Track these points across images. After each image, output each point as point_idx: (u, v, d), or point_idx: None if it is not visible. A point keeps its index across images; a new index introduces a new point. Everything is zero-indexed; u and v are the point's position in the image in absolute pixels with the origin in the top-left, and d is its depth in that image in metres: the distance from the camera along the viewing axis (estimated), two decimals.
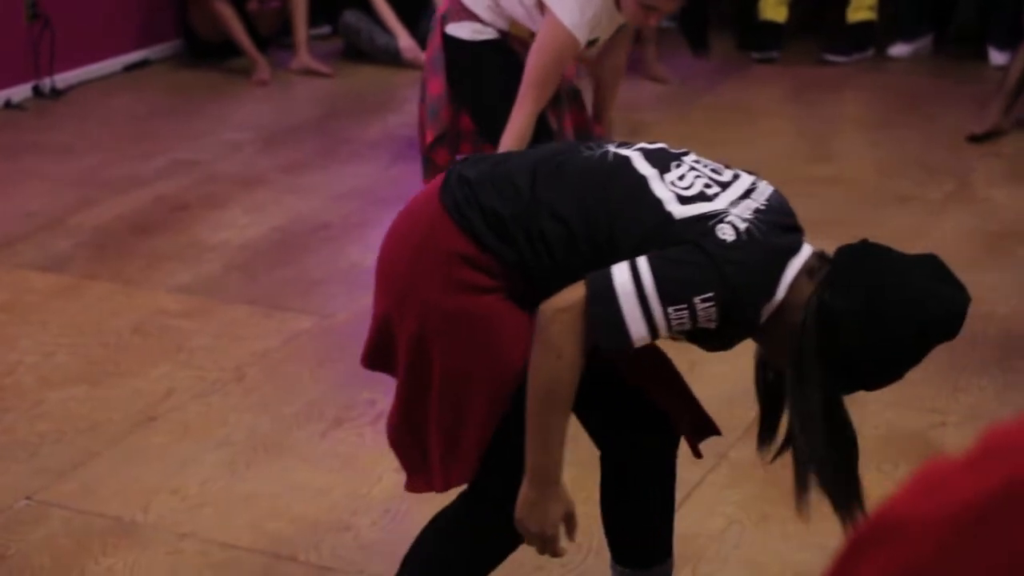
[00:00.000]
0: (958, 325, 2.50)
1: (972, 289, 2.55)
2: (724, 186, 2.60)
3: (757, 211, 2.55)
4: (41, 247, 5.46)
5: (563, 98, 4.38)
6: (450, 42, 4.28)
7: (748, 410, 4.05)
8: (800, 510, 2.63)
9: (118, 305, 4.95)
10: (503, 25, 4.21)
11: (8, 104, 7.26)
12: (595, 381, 2.83)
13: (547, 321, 2.49)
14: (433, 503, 2.86)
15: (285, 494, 3.75)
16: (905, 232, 5.44)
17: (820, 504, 3.65)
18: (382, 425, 3.01)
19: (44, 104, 7.38)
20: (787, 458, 2.71)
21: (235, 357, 4.51)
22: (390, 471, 3.67)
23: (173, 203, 5.94)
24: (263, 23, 8.07)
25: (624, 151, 2.66)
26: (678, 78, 7.63)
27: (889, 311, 2.46)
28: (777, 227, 2.56)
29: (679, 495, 3.62)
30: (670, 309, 2.47)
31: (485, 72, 4.27)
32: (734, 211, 2.54)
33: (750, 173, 2.67)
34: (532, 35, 4.17)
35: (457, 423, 2.63)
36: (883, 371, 2.55)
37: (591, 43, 4.17)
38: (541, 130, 4.17)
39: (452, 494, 2.76)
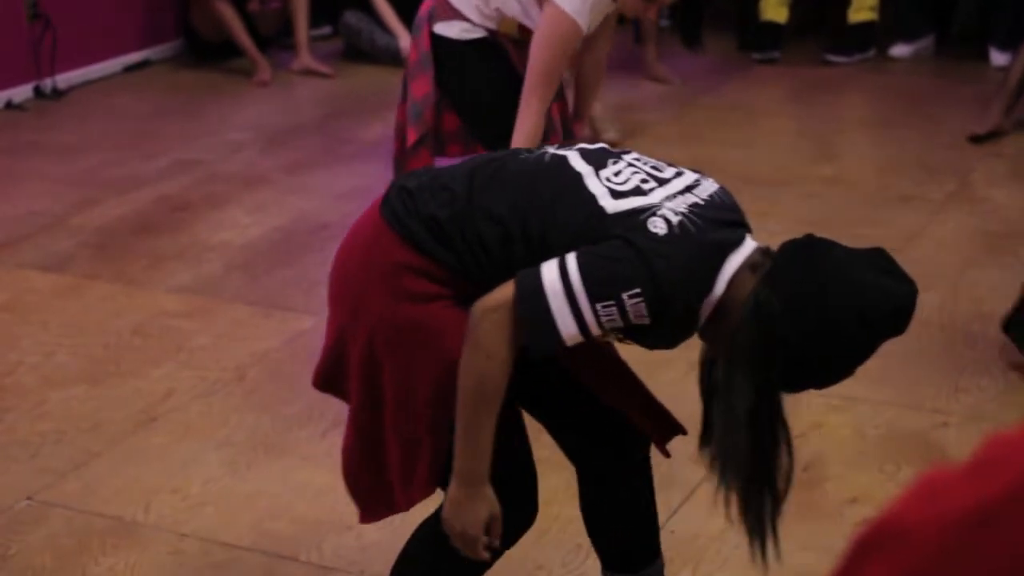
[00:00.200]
0: (904, 318, 2.46)
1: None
2: (662, 182, 2.56)
3: (694, 205, 2.52)
4: (42, 247, 5.47)
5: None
6: (438, 41, 4.21)
7: None
8: (727, 516, 2.55)
9: (119, 305, 4.95)
10: (491, 24, 4.16)
11: (9, 104, 7.27)
12: (559, 394, 2.83)
13: (477, 321, 2.48)
14: (433, 503, 2.86)
15: (286, 494, 3.75)
16: (906, 232, 5.44)
17: (818, 506, 3.67)
18: None
19: (45, 104, 7.38)
20: None
21: (236, 357, 4.51)
22: None
23: (174, 203, 5.95)
24: (264, 24, 8.07)
25: (562, 151, 2.65)
26: (679, 78, 7.63)
27: (829, 305, 2.40)
28: (717, 222, 2.52)
29: (680, 496, 3.63)
30: (598, 306, 2.44)
31: (475, 71, 4.21)
32: (668, 205, 2.50)
33: (695, 171, 2.64)
34: (521, 31, 4.12)
35: (414, 434, 2.62)
36: (828, 367, 2.49)
37: None
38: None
39: None
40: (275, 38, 8.23)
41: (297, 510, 3.69)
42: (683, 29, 4.83)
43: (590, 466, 2.91)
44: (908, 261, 4.62)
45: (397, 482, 2.68)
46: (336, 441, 3.99)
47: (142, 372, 4.44)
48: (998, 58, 7.79)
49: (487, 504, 2.59)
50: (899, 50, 8.11)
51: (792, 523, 3.57)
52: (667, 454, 2.92)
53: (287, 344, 4.60)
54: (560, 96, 4.41)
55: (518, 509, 2.72)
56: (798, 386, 2.54)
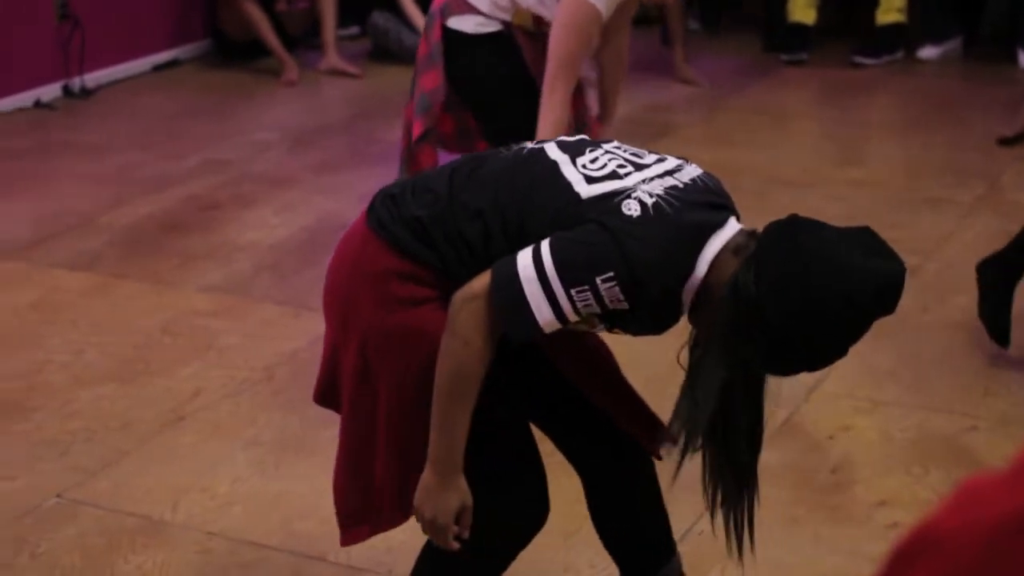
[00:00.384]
0: (892, 297, 2.41)
1: None
2: (640, 167, 2.56)
3: (673, 188, 2.50)
4: (72, 246, 5.48)
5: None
6: (452, 36, 4.17)
7: (776, 414, 4.06)
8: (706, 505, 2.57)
9: (148, 304, 4.97)
10: (506, 15, 4.13)
11: (38, 103, 7.29)
12: (555, 400, 2.82)
13: (455, 310, 2.48)
14: None
15: (314, 494, 3.75)
16: (935, 235, 5.43)
17: (847, 509, 3.67)
18: None
19: (74, 103, 7.41)
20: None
21: (264, 357, 4.52)
22: None
23: (203, 203, 5.96)
24: (292, 24, 8.09)
25: (540, 144, 2.66)
26: (707, 80, 7.62)
27: (813, 286, 2.37)
28: (696, 204, 2.50)
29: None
30: (573, 291, 2.43)
31: (486, 66, 4.17)
32: (644, 187, 2.49)
33: (679, 159, 2.63)
34: (536, 23, 4.09)
35: (410, 441, 2.63)
36: (814, 349, 2.45)
37: None
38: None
39: None
40: (303, 38, 8.24)
41: (325, 510, 3.68)
42: (702, 8, 4.75)
43: (593, 470, 2.90)
44: (936, 264, 4.65)
45: (388, 496, 2.69)
46: None
47: (171, 371, 4.46)
48: None
49: (459, 494, 2.59)
50: (927, 52, 8.10)
51: (820, 526, 3.58)
52: (659, 456, 2.89)
53: (315, 344, 4.59)
54: (579, 91, 4.37)
55: (525, 509, 2.72)
56: (786, 368, 2.51)
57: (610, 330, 2.61)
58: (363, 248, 2.65)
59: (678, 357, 2.56)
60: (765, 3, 8.45)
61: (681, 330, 2.61)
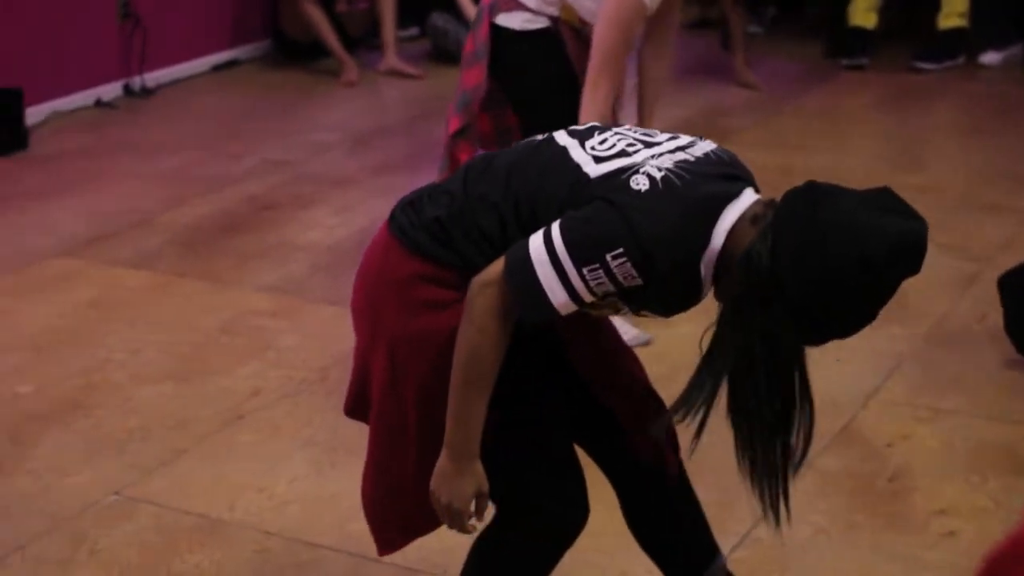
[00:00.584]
0: (913, 256, 2.36)
1: None
2: (650, 145, 2.54)
3: (683, 162, 2.48)
4: (132, 244, 5.51)
5: None
6: (499, 33, 4.19)
7: (834, 420, 4.05)
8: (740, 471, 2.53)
9: (207, 303, 4.99)
10: (553, 10, 4.15)
11: (99, 102, 7.33)
12: (580, 407, 2.80)
13: (472, 297, 2.49)
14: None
15: None
16: (994, 242, 5.39)
17: (905, 517, 3.64)
18: None
19: (134, 103, 7.45)
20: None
21: (321, 357, 4.53)
22: None
23: (262, 203, 5.98)
24: (352, 24, 8.11)
25: (551, 133, 2.65)
26: (766, 84, 7.60)
27: (829, 253, 2.33)
28: (709, 177, 2.47)
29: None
30: (584, 270, 2.42)
31: (532, 63, 4.18)
32: (652, 162, 2.47)
33: (694, 136, 2.60)
34: (582, 20, 4.12)
35: (439, 446, 2.61)
36: (837, 316, 2.41)
37: None
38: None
39: None
40: (363, 39, 8.26)
41: None
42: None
43: (620, 475, 2.88)
44: (995, 271, 4.61)
45: (420, 502, 2.68)
46: None
47: (229, 370, 4.47)
48: None
49: (475, 480, 2.59)
50: (989, 57, 8.04)
51: (879, 533, 3.57)
52: (672, 474, 2.86)
53: None
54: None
55: (562, 509, 2.70)
56: (814, 337, 2.46)
57: (637, 313, 2.59)
58: (386, 256, 2.66)
59: (701, 341, 2.51)
60: (826, 7, 8.41)
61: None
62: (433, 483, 2.61)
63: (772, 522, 2.57)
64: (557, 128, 2.66)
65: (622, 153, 2.51)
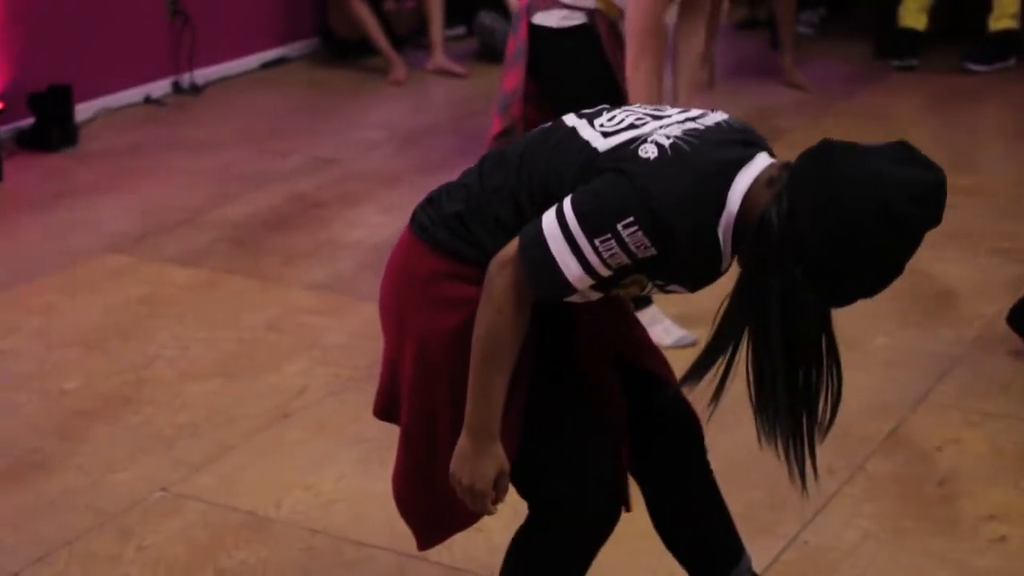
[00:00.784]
0: (932, 205, 2.34)
1: None
2: (659, 118, 2.53)
3: (692, 130, 2.47)
4: (180, 241, 5.53)
5: None
6: (538, 32, 4.25)
7: (883, 424, 4.03)
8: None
9: (254, 300, 5.00)
10: (590, 3, 4.18)
11: (148, 99, 7.36)
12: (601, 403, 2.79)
13: (490, 277, 2.49)
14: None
15: None
16: None
17: (954, 522, 3.62)
18: None
19: (183, 100, 7.48)
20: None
21: (367, 355, 4.52)
22: None
23: (309, 201, 5.99)
24: (399, 23, 8.12)
25: (560, 118, 2.65)
26: (816, 85, 7.57)
27: (847, 209, 2.31)
28: (720, 143, 2.46)
29: (813, 507, 3.60)
30: (596, 241, 2.41)
31: (573, 60, 4.22)
32: (661, 131, 2.46)
33: (706, 109, 2.59)
34: (621, 10, 4.14)
35: None
36: (862, 272, 2.37)
37: None
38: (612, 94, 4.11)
39: None
40: (410, 37, 8.27)
41: None
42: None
43: (645, 473, 2.86)
44: None
45: (455, 498, 2.67)
46: None
47: (276, 367, 4.48)
48: None
49: (495, 460, 2.58)
50: None
51: (928, 538, 3.54)
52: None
53: None
54: None
55: (595, 499, 2.67)
56: (838, 298, 2.42)
57: (664, 289, 2.57)
58: (408, 255, 2.67)
59: (718, 310, 2.49)
60: (876, 8, 8.37)
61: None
62: (453, 465, 2.61)
63: (799, 483, 2.52)
64: None
65: (630, 127, 2.51)
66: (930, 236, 2.42)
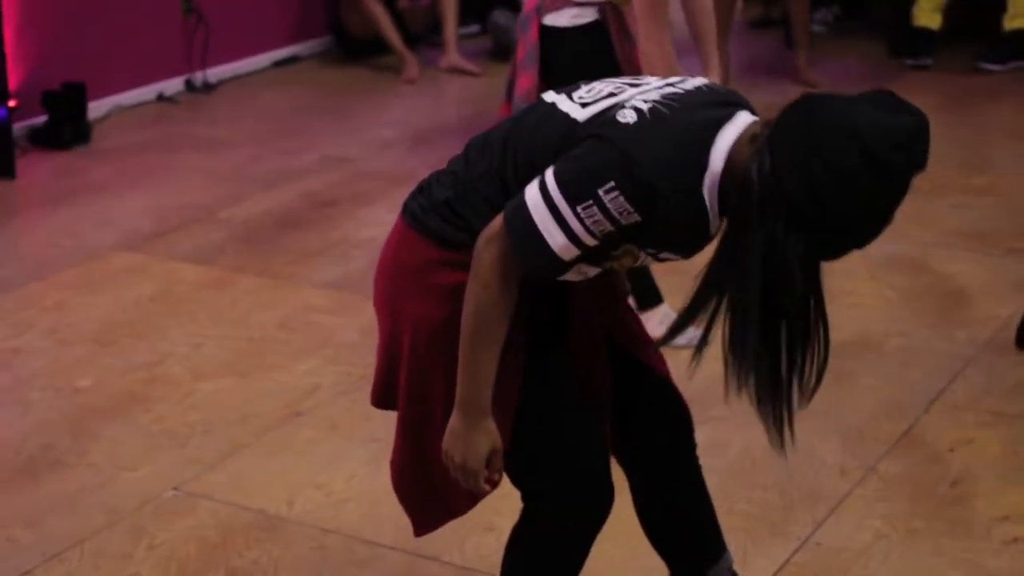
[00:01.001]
0: (916, 148, 2.31)
1: None
2: (638, 86, 2.53)
3: (671, 94, 2.47)
4: (192, 239, 5.53)
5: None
6: (549, 33, 4.25)
7: (897, 423, 4.02)
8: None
9: (265, 299, 5.00)
10: None
11: (161, 97, 7.37)
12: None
13: (477, 252, 2.49)
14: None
15: None
16: None
17: (968, 523, 3.61)
18: None
19: (196, 98, 7.48)
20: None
21: None
22: None
23: (321, 199, 5.99)
24: (413, 21, 8.11)
25: (540, 96, 2.65)
26: (830, 83, 7.55)
27: (829, 160, 2.29)
28: (699, 105, 2.45)
29: (825, 509, 3.59)
30: (578, 208, 2.40)
31: (587, 57, 4.21)
32: (639, 96, 2.46)
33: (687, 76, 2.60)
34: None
35: None
36: (851, 220, 2.35)
37: None
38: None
39: None
40: (424, 36, 8.27)
41: None
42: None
43: (631, 466, 2.87)
44: None
45: (453, 483, 2.67)
46: None
47: (288, 366, 4.48)
48: None
49: (488, 437, 2.58)
50: None
51: (940, 539, 3.53)
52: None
53: None
54: None
55: (585, 487, 2.68)
56: (831, 249, 2.41)
57: (656, 257, 2.56)
58: (400, 244, 2.68)
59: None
60: (891, 7, 8.35)
61: None
62: (446, 442, 2.60)
63: (776, 445, 2.51)
64: None
65: (608, 95, 2.52)
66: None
